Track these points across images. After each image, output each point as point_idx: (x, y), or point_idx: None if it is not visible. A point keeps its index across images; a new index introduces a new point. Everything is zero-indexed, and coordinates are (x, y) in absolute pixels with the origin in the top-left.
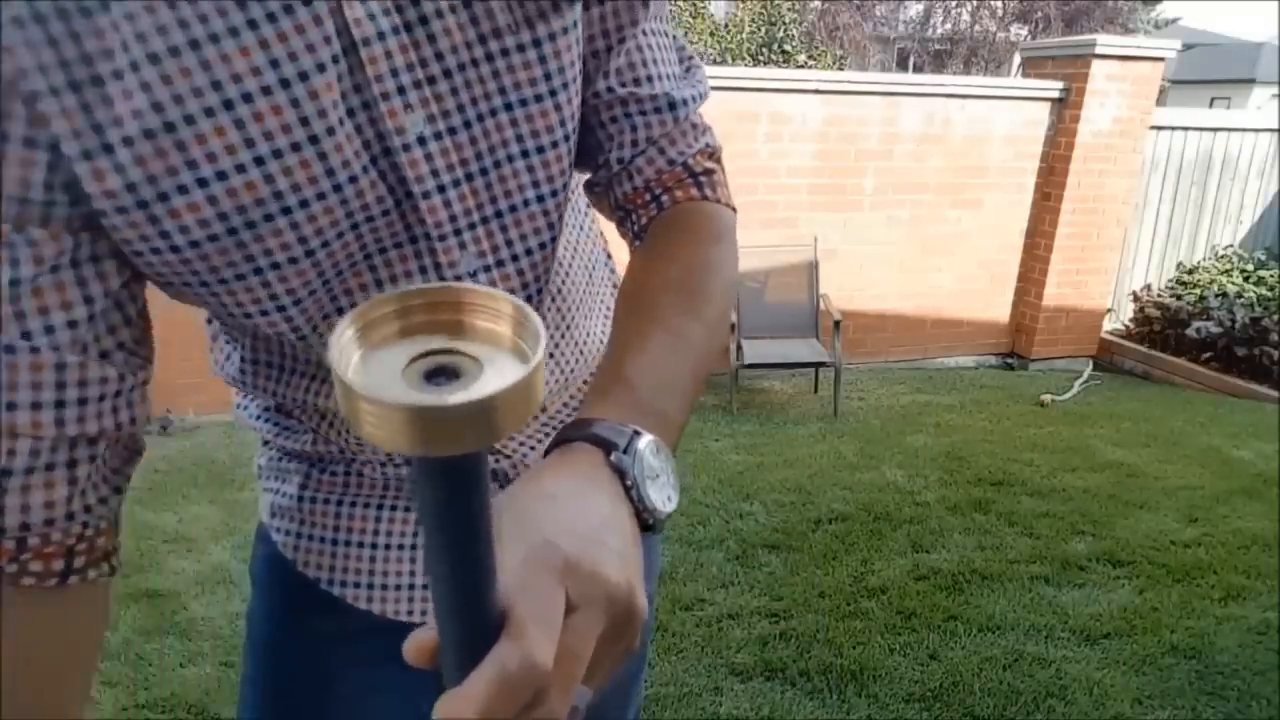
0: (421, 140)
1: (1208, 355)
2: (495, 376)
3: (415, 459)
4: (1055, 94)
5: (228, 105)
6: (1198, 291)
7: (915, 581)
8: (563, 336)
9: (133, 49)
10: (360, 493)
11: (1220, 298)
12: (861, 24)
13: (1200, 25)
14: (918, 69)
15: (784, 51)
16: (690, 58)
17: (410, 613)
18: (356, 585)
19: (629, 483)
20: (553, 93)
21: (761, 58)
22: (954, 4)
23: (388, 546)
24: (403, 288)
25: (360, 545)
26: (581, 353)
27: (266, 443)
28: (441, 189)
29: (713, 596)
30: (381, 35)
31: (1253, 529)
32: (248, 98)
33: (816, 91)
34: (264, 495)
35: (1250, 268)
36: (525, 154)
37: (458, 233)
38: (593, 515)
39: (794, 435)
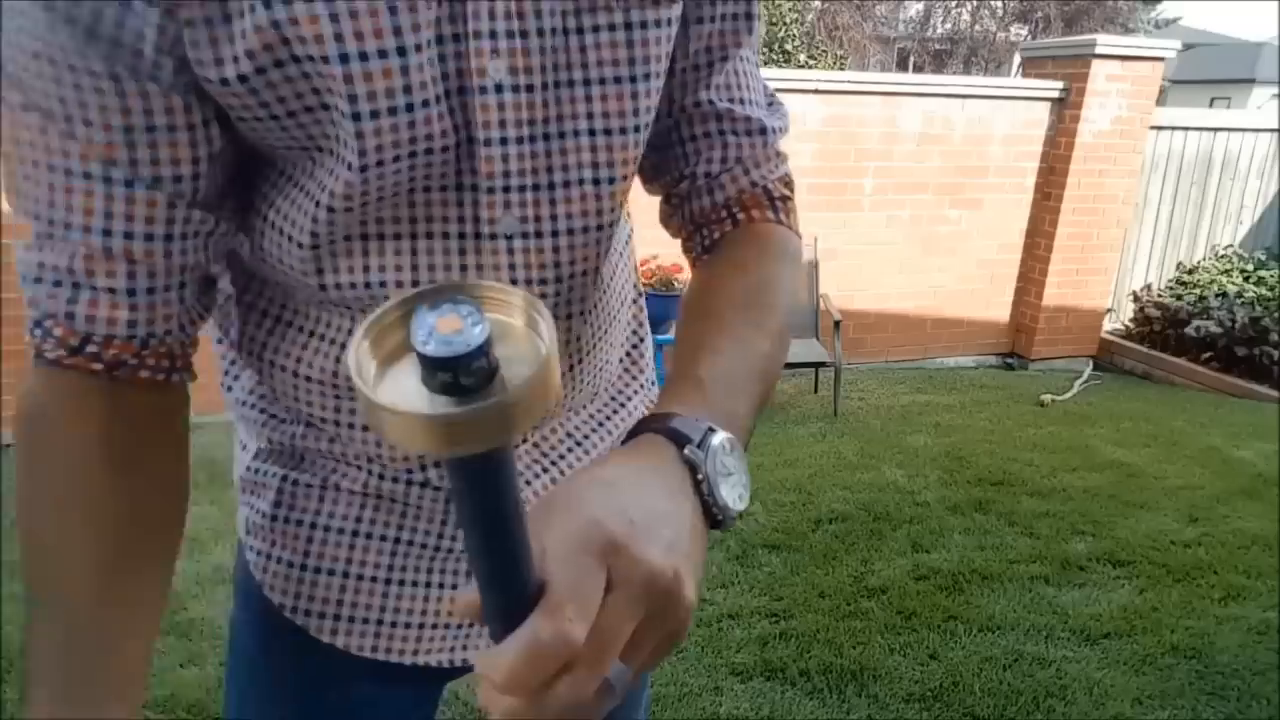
0: (499, 88)
1: (1208, 355)
2: (508, 371)
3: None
4: (1055, 94)
5: None
6: (1198, 291)
7: (915, 581)
8: (587, 355)
9: None
10: (335, 514)
11: (1220, 298)
12: (861, 24)
13: (1200, 25)
14: (918, 69)
15: (784, 51)
16: (773, 93)
17: (374, 649)
18: (321, 616)
19: (700, 477)
20: (633, 79)
21: (761, 57)
22: (954, 4)
23: (359, 577)
24: (408, 290)
25: (330, 574)
26: (595, 380)
27: (244, 447)
28: (504, 141)
29: (713, 596)
30: None
31: (1253, 529)
32: None
33: (816, 91)
34: (241, 509)
35: (1250, 268)
36: (592, 133)
37: (506, 189)
38: (649, 503)
39: (794, 435)
